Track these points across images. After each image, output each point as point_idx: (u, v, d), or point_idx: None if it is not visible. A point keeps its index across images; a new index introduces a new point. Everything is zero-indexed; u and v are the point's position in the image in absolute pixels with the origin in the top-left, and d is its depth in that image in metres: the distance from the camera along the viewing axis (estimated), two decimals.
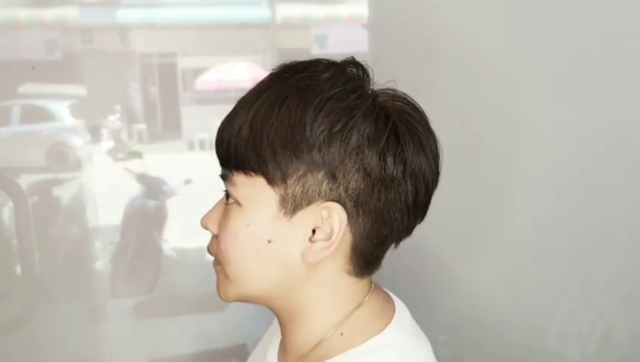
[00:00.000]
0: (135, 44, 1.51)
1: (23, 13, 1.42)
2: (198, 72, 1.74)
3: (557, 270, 1.38)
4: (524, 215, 1.37)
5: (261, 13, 1.55)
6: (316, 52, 1.51)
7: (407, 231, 0.67)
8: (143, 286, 1.48)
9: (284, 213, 0.62)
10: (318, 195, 0.61)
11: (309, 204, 0.62)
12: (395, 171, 0.61)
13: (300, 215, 0.62)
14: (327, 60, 0.66)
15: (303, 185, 0.61)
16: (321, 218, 0.62)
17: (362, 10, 1.48)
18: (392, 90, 0.66)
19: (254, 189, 0.63)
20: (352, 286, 0.67)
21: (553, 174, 1.35)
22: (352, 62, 0.66)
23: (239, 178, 0.63)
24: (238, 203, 0.64)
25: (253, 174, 0.62)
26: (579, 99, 1.31)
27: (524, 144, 1.36)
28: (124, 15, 1.50)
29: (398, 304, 0.72)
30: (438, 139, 0.67)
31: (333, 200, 0.61)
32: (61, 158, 1.48)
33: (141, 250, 1.52)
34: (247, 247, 0.64)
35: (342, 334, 0.66)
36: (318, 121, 0.60)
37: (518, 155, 1.37)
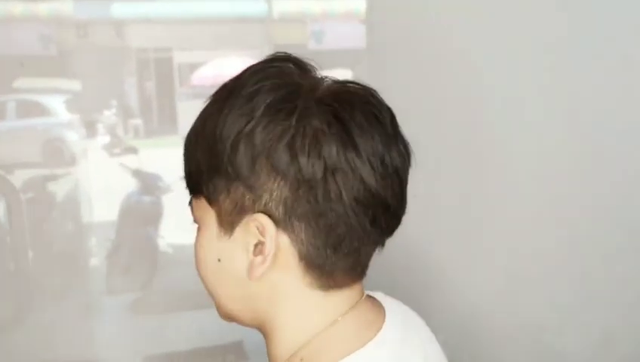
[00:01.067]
0: (131, 38, 1.50)
1: (18, 8, 1.41)
2: (194, 66, 1.74)
3: (557, 269, 1.38)
4: (525, 214, 1.37)
5: (258, 7, 1.54)
6: (313, 47, 1.50)
7: (375, 232, 0.61)
8: (138, 283, 1.47)
9: (225, 231, 0.60)
10: (247, 208, 0.58)
11: (241, 218, 0.59)
12: (312, 170, 0.56)
13: (238, 231, 0.59)
14: (259, 63, 0.62)
15: (232, 201, 0.59)
16: (257, 231, 0.58)
17: (359, 5, 1.47)
18: (350, 81, 0.61)
19: (202, 211, 0.62)
20: (320, 303, 0.62)
21: (557, 173, 1.35)
22: (283, 58, 0.62)
23: (194, 201, 0.63)
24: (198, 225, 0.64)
25: (199, 196, 0.62)
26: (578, 99, 1.32)
27: (527, 143, 1.36)
28: (120, 9, 1.49)
29: (390, 320, 0.65)
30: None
31: (260, 211, 0.58)
32: (56, 154, 1.47)
33: (137, 246, 1.52)
34: (205, 267, 0.63)
35: (301, 359, 0.61)
36: (226, 129, 0.57)
37: (520, 152, 1.36)
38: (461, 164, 1.36)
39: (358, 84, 0.62)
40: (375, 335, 0.63)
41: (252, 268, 0.59)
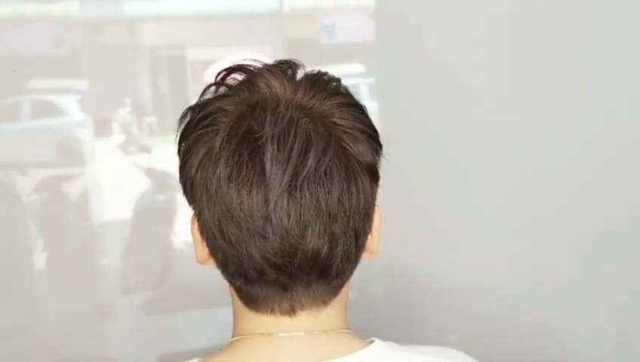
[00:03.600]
0: (143, 36, 1.50)
1: (30, 8, 1.41)
2: (207, 63, 1.73)
3: (570, 268, 1.37)
4: (536, 211, 1.36)
5: (269, 3, 1.53)
6: (324, 41, 1.49)
7: (261, 260, 0.59)
8: (153, 281, 1.47)
9: None
10: None
11: None
12: (185, 186, 0.63)
13: None
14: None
15: None
16: None
17: None
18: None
19: None
20: (249, 319, 0.65)
21: (565, 172, 1.34)
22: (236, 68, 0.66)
23: None
24: None
25: None
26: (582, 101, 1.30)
27: (534, 141, 1.35)
28: (132, 8, 1.49)
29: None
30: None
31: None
32: (70, 153, 1.48)
33: (151, 245, 1.52)
34: None
35: None
36: None
37: (526, 151, 1.35)
38: (473, 158, 1.35)
39: None
40: None
41: None
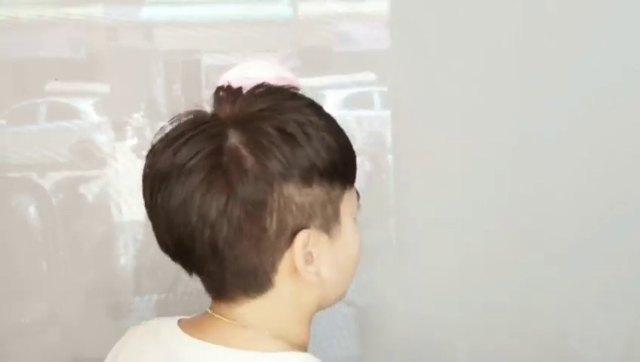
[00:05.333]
0: (159, 41, 1.51)
1: (49, 12, 1.43)
2: (221, 69, 1.75)
3: (577, 272, 1.37)
4: (541, 216, 1.36)
5: (283, 10, 1.54)
6: (338, 49, 1.50)
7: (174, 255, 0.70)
8: (166, 283, 1.48)
9: None
10: None
11: None
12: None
13: None
14: None
15: None
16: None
17: (384, 7, 1.47)
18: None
19: None
20: None
21: (575, 176, 1.34)
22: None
23: None
24: None
25: None
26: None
27: (547, 146, 1.35)
28: (148, 13, 1.51)
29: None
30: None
31: None
32: (86, 156, 1.49)
33: None
34: None
35: None
36: None
37: (538, 156, 1.36)
38: (486, 167, 1.36)
39: None
40: None
41: None
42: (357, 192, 0.74)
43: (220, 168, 0.62)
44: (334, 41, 1.52)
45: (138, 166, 1.64)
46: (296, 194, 0.64)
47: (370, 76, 1.48)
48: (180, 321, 0.74)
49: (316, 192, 0.65)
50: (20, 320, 1.41)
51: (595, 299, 1.40)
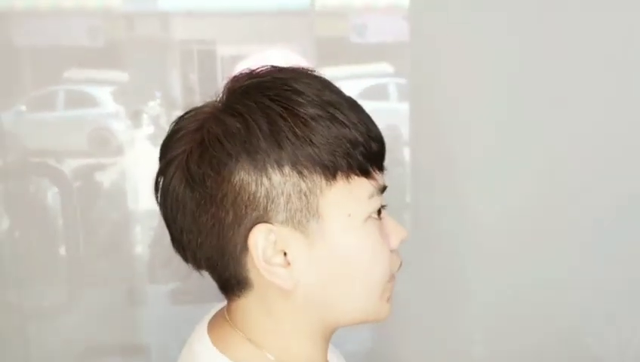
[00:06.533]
0: (175, 31, 1.52)
1: (68, 1, 1.44)
2: (236, 59, 1.75)
3: (595, 272, 1.36)
4: (563, 215, 1.36)
5: (300, 0, 1.54)
6: (355, 40, 1.50)
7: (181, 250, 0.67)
8: (180, 272, 1.49)
9: None
10: None
11: None
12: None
13: None
14: None
15: None
16: None
17: None
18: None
19: None
20: None
21: (595, 177, 1.34)
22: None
23: None
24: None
25: None
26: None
27: (567, 142, 1.34)
28: (165, 3, 1.51)
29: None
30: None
31: None
32: (103, 143, 1.51)
33: None
34: None
35: None
36: None
37: (558, 152, 1.35)
38: (504, 159, 1.35)
39: None
40: None
41: None
42: (378, 187, 0.63)
43: (187, 156, 0.61)
44: (351, 32, 1.52)
45: (154, 154, 1.66)
46: (251, 183, 0.58)
47: (387, 68, 1.47)
48: (214, 316, 0.72)
49: (275, 182, 0.58)
50: (41, 303, 1.42)
51: (613, 298, 1.39)
